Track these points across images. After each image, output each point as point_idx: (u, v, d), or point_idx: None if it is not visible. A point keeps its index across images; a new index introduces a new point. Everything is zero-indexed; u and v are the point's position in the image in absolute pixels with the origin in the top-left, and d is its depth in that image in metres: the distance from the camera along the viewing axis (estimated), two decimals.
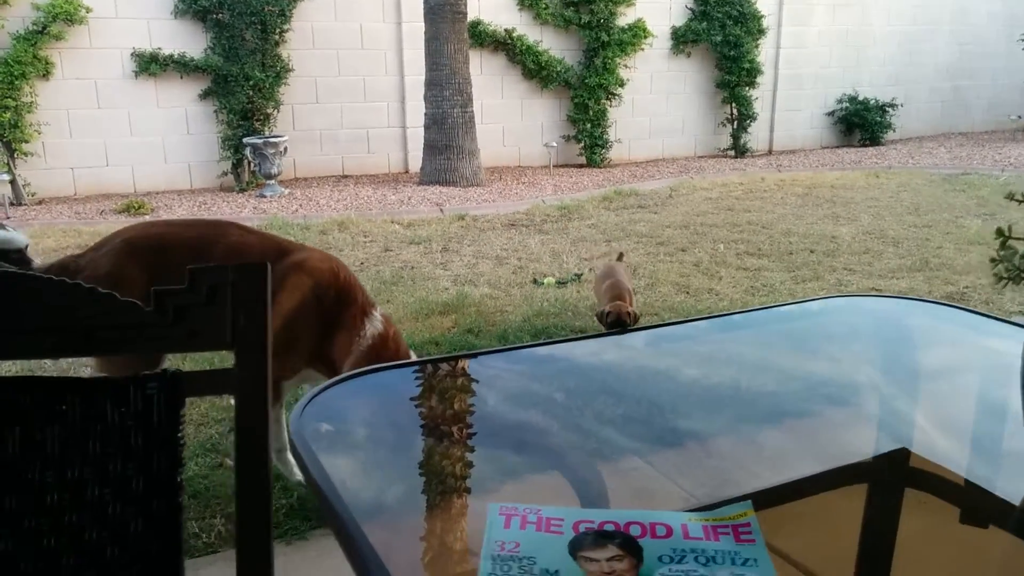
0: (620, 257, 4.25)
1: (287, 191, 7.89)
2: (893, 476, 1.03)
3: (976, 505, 0.96)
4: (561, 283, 4.89)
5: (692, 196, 7.73)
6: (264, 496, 0.94)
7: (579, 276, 4.99)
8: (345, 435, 1.09)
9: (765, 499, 0.92)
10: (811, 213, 6.88)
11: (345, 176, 8.84)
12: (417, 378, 1.25)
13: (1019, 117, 12.47)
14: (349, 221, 6.50)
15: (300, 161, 8.60)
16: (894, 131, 11.50)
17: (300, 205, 7.35)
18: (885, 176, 8.79)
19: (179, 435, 0.95)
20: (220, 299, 0.89)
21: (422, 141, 8.43)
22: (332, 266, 2.28)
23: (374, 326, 2.21)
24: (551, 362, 1.31)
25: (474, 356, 1.34)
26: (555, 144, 9.60)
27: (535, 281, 4.92)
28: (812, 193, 7.78)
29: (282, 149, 7.80)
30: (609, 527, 0.82)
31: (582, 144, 9.69)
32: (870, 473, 1.04)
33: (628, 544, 0.80)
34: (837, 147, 11.28)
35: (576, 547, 0.79)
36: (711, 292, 4.74)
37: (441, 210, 7.11)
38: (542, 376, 1.28)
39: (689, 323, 1.48)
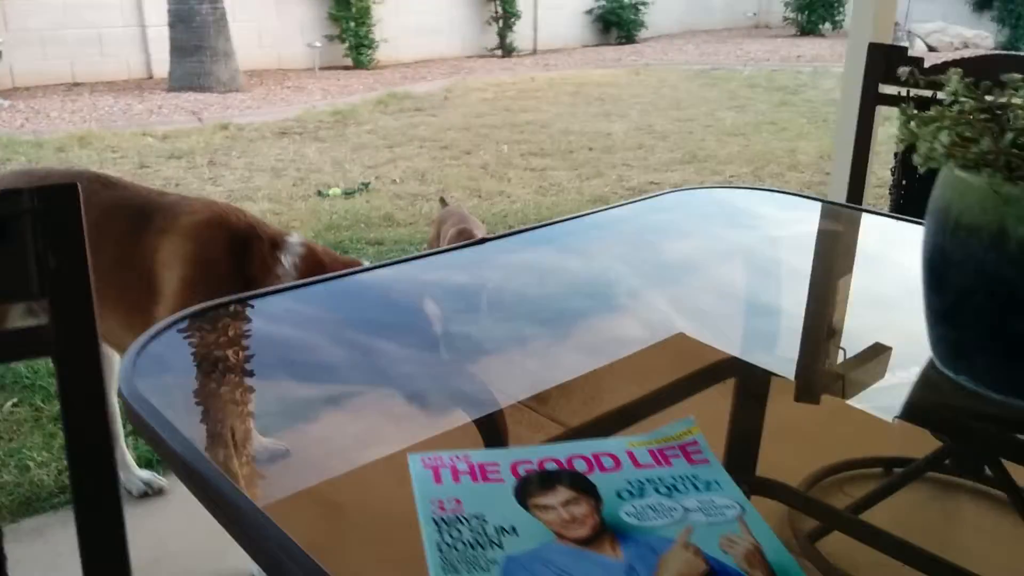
0: (443, 202, 3.58)
1: (7, 102, 6.78)
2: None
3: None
4: (348, 193, 4.63)
5: (467, 97, 7.61)
6: (111, 499, 0.74)
7: (366, 185, 4.75)
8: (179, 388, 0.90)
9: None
10: (584, 111, 7.04)
11: (77, 84, 7.74)
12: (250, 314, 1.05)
13: (754, 15, 13.49)
14: (91, 135, 5.71)
15: (20, 68, 7.40)
16: (647, 28, 12.01)
17: (26, 119, 6.34)
18: (645, 73, 9.18)
19: None
20: (19, 234, 0.65)
21: (167, 43, 7.55)
22: (218, 216, 1.83)
23: (293, 255, 1.84)
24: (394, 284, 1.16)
25: (321, 282, 1.15)
26: (318, 44, 9.01)
27: (319, 193, 4.62)
28: (582, 91, 7.95)
29: None
30: (551, 466, 0.72)
31: (347, 44, 9.18)
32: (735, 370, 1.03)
33: (579, 482, 0.70)
34: (597, 45, 11.61)
35: (522, 495, 0.68)
36: (502, 195, 4.71)
37: (199, 119, 6.45)
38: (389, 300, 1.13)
39: (545, 227, 1.39)
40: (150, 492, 2.13)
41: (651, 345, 1.08)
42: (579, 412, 0.92)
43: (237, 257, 1.81)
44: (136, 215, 1.80)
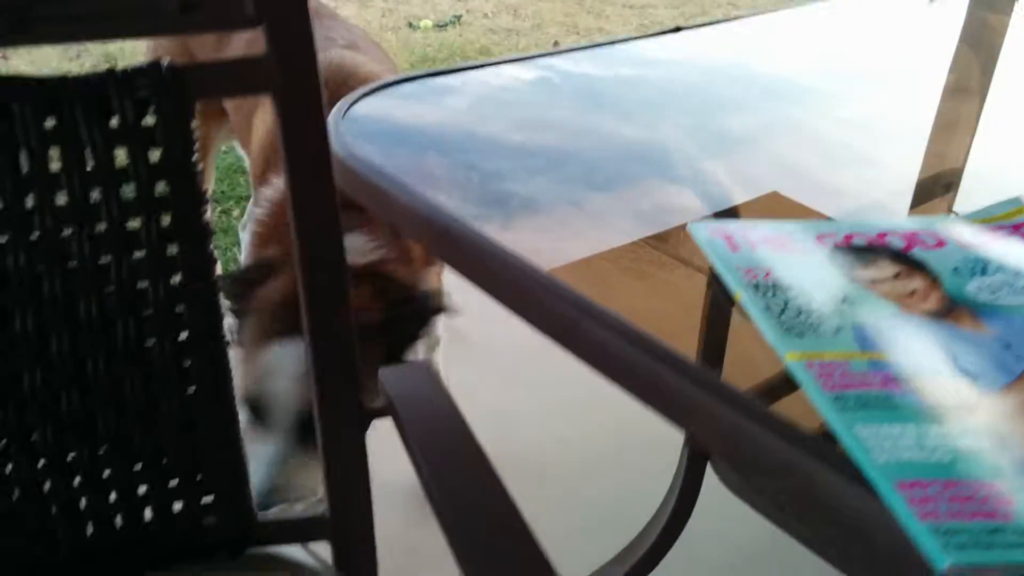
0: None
1: None
2: None
3: None
4: (440, 26, 4.40)
5: None
6: (335, 252, 0.66)
7: (458, 18, 4.52)
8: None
9: None
10: None
11: None
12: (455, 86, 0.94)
13: None
14: None
15: None
16: None
17: None
18: None
19: (193, 159, 0.63)
20: None
21: None
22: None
23: None
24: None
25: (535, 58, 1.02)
26: None
27: (410, 25, 4.41)
28: None
29: None
30: (859, 241, 0.61)
31: None
32: None
33: (902, 258, 0.59)
34: None
35: (840, 268, 0.58)
36: (600, 31, 4.43)
37: None
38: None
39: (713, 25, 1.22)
40: None
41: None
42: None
43: None
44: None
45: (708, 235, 0.61)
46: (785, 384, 0.47)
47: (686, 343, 0.54)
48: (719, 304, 0.58)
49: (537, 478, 1.55)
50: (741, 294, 0.54)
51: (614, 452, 1.62)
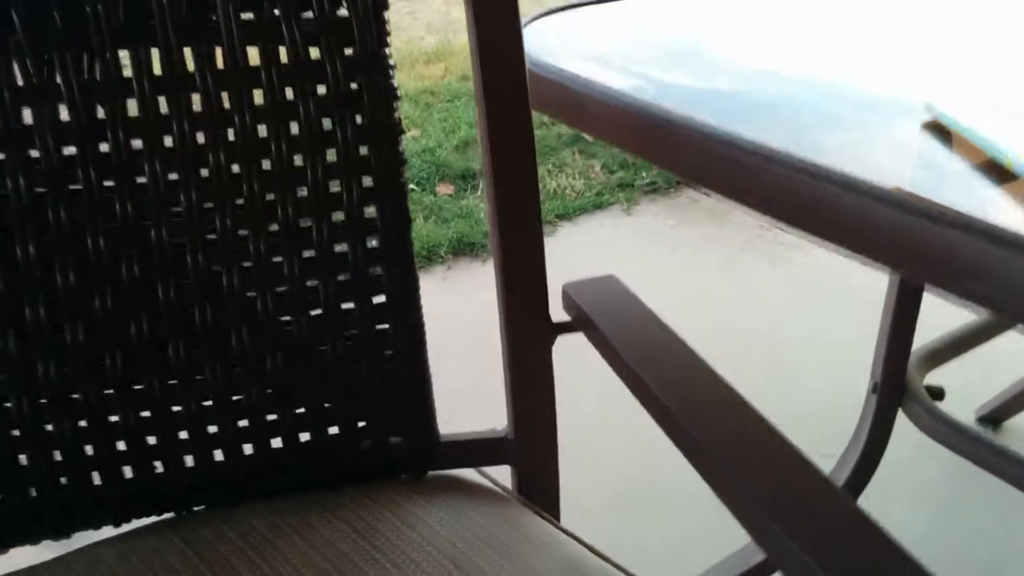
0: None
1: None
2: None
3: None
4: None
5: None
6: (526, 164, 0.63)
7: None
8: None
9: None
10: None
11: None
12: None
13: None
14: None
15: None
16: None
17: None
18: None
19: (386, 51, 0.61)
20: None
21: None
22: None
23: None
24: None
25: None
26: None
27: None
28: None
29: None
30: None
31: None
32: None
33: None
34: None
35: None
36: None
37: None
38: None
39: None
40: None
41: None
42: None
43: None
44: None
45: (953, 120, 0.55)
46: None
47: None
48: None
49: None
50: (1011, 161, 0.48)
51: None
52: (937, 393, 1.00)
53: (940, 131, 0.55)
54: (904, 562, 0.38)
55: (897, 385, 0.93)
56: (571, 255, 2.16)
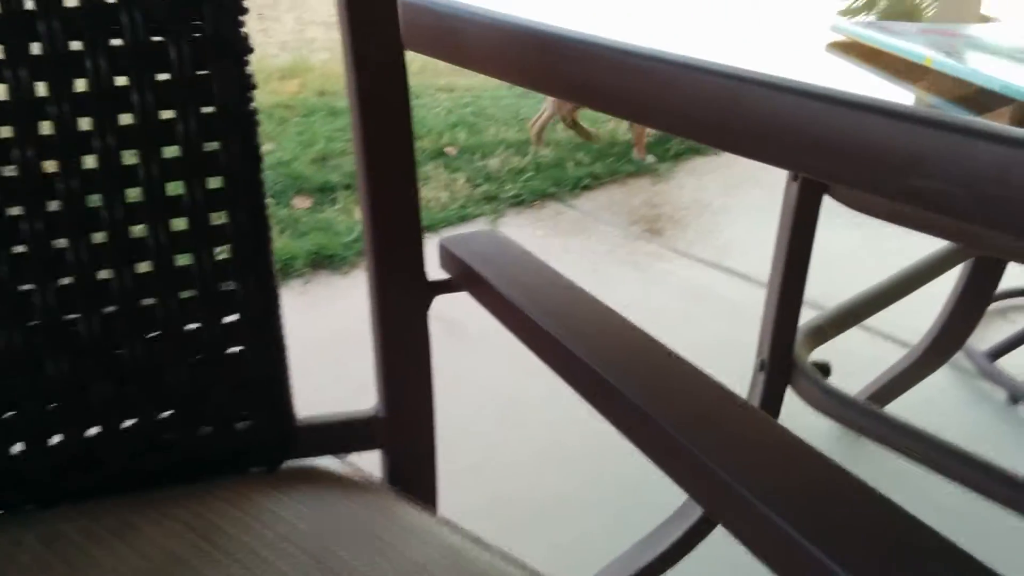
0: None
1: None
2: None
3: None
4: None
5: None
6: (399, 100, 0.55)
7: None
8: None
9: None
10: None
11: None
12: None
13: None
14: None
15: None
16: None
17: None
18: None
19: None
20: None
21: None
22: None
23: None
24: None
25: None
26: None
27: None
28: None
29: None
30: None
31: None
32: None
33: None
34: None
35: None
36: None
37: None
38: None
39: None
40: None
41: None
42: None
43: None
44: None
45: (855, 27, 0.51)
46: None
47: None
48: None
49: (560, 460, 1.43)
50: (930, 58, 0.44)
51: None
52: (824, 369, 0.98)
53: (849, 49, 0.51)
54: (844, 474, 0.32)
55: (785, 362, 0.91)
56: (437, 267, 2.07)
